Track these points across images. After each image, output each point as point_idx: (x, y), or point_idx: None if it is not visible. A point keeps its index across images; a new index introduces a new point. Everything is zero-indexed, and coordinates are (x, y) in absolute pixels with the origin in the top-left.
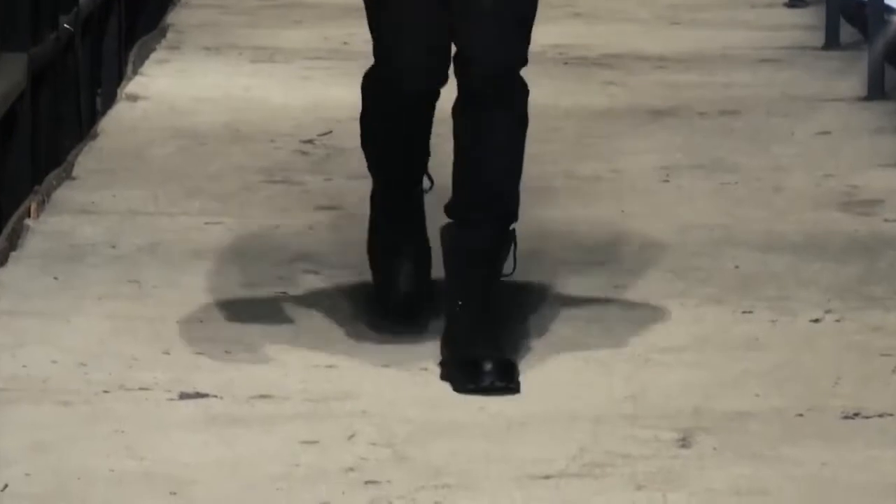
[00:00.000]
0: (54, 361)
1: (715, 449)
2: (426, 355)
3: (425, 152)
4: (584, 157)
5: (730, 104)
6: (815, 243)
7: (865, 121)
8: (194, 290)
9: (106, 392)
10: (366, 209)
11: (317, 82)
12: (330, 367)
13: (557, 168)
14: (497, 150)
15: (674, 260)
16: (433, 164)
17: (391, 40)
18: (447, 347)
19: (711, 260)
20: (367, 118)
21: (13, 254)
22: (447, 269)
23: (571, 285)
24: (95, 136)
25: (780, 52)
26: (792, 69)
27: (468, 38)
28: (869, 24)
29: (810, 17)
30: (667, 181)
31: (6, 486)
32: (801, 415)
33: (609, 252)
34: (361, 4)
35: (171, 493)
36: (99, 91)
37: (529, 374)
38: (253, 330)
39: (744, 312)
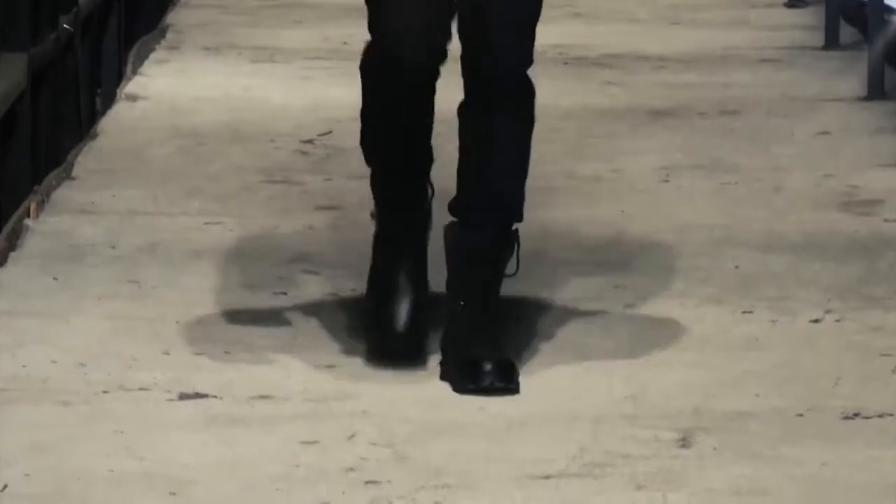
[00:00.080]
0: (54, 361)
1: (715, 449)
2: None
3: (426, 144)
4: (584, 158)
5: (730, 104)
6: (815, 243)
7: (865, 121)
8: (194, 290)
9: (105, 392)
10: (365, 209)
11: (317, 82)
12: (330, 367)
13: (558, 168)
14: (504, 151)
15: (674, 260)
16: (434, 165)
17: (389, 7)
18: (447, 347)
19: (711, 260)
20: (366, 102)
21: (13, 254)
22: (449, 268)
23: (571, 285)
24: (95, 136)
25: (780, 52)
26: (792, 69)
27: (477, 39)
28: (869, 24)
29: (810, 17)
30: (667, 181)
31: (6, 486)
32: (801, 415)
33: (609, 252)
34: (361, 4)
35: (170, 494)
36: (99, 91)
37: (529, 374)
38: (253, 330)
39: (744, 312)
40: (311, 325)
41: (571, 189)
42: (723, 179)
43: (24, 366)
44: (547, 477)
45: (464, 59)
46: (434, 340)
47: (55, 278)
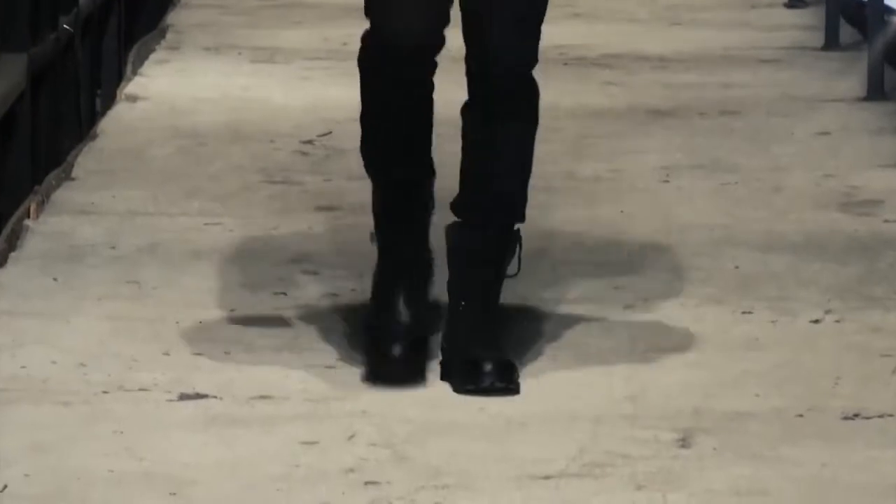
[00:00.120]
0: (54, 362)
1: (715, 449)
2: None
3: (425, 150)
4: (584, 158)
5: (730, 104)
6: (815, 243)
7: (865, 121)
8: (194, 290)
9: (105, 392)
10: (365, 210)
11: (316, 83)
12: (329, 367)
13: (557, 168)
14: (506, 152)
15: (673, 260)
16: (435, 165)
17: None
18: (448, 347)
19: (711, 260)
20: (364, 99)
21: (13, 254)
22: (451, 268)
23: (571, 285)
24: (95, 136)
25: (779, 52)
26: (792, 69)
27: (480, 39)
28: (868, 24)
29: (810, 17)
30: (667, 181)
31: (6, 486)
32: (801, 415)
33: (609, 252)
34: (361, 5)
35: (170, 494)
36: (98, 91)
37: (529, 374)
38: (252, 331)
39: (744, 313)
40: (311, 326)
41: (571, 189)
42: (723, 179)
43: (23, 366)
44: (547, 477)
45: (468, 59)
46: (433, 341)
47: (55, 279)
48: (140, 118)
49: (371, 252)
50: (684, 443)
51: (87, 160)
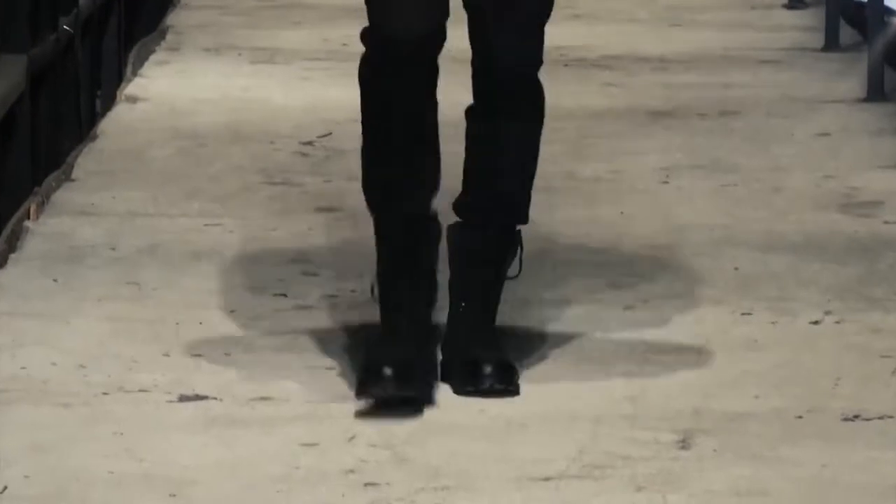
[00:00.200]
0: (54, 363)
1: (715, 450)
2: None
3: (431, 167)
4: (584, 158)
5: (729, 105)
6: (815, 244)
7: (865, 122)
8: (194, 291)
9: (105, 394)
10: (365, 212)
11: (316, 83)
12: (329, 368)
13: (557, 169)
14: (510, 154)
15: (673, 261)
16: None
17: None
18: (447, 348)
19: (711, 260)
20: (366, 116)
21: (12, 255)
22: (452, 268)
23: (571, 286)
24: (95, 137)
25: (779, 53)
26: (792, 70)
27: (488, 39)
28: (868, 25)
29: (810, 18)
30: (666, 182)
31: (5, 487)
32: (800, 416)
33: (609, 253)
34: (361, 5)
35: (170, 495)
36: (98, 92)
37: (529, 375)
38: (252, 332)
39: (743, 314)
40: (311, 327)
41: (571, 190)
42: (723, 180)
43: (23, 367)
44: (547, 478)
45: (473, 60)
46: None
47: (55, 280)
48: (140, 119)
49: (370, 254)
50: (684, 444)
51: (86, 161)
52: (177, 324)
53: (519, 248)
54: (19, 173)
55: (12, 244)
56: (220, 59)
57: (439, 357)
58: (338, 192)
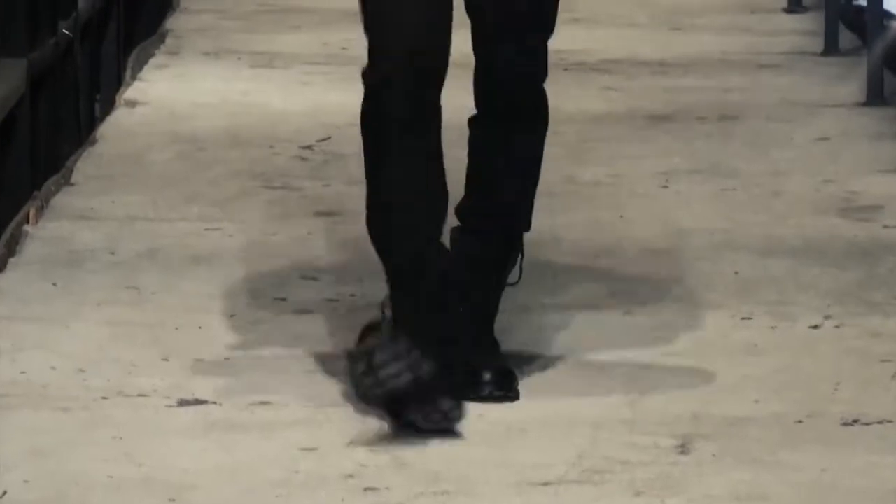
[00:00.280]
0: (53, 367)
1: (714, 455)
2: None
3: (440, 210)
4: (583, 163)
5: (729, 109)
6: (815, 248)
7: (864, 126)
8: (193, 296)
9: (105, 398)
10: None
11: (316, 87)
12: (328, 373)
13: (557, 173)
14: (516, 165)
15: (673, 265)
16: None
17: (390, 7)
18: (446, 352)
19: (711, 265)
20: (370, 155)
21: (12, 259)
22: (452, 273)
23: (570, 290)
24: (94, 141)
25: (779, 57)
26: (791, 74)
27: (493, 51)
28: (868, 29)
29: (809, 22)
30: (666, 186)
31: (5, 492)
32: (800, 421)
33: (608, 257)
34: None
35: (169, 500)
36: (98, 97)
37: (528, 379)
38: (252, 336)
39: (743, 318)
40: (310, 331)
41: (571, 194)
42: (722, 184)
43: (23, 371)
44: (546, 483)
45: (476, 69)
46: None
47: (54, 284)
48: (139, 123)
49: (370, 258)
50: (683, 448)
51: (86, 165)
52: (176, 328)
53: (520, 255)
54: (19, 177)
55: (11, 248)
56: (219, 64)
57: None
58: (337, 196)
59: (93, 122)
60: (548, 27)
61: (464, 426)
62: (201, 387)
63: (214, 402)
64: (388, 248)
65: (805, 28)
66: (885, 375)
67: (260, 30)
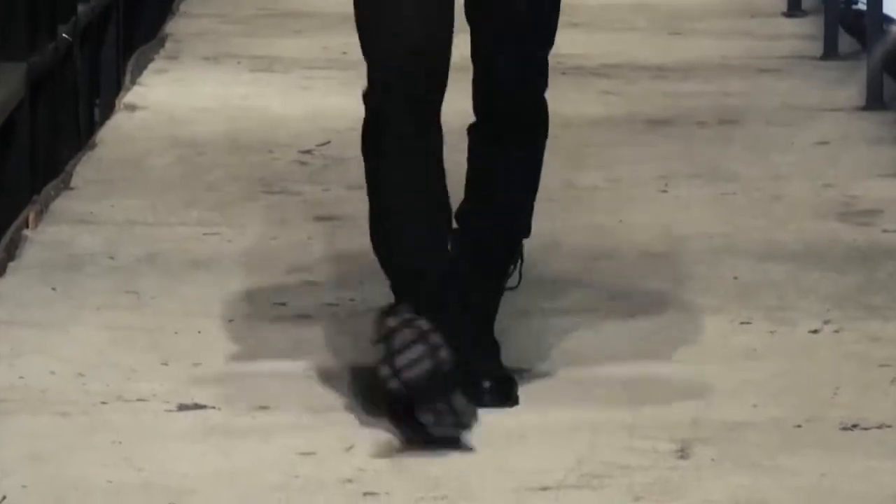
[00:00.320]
0: (52, 372)
1: (713, 459)
2: None
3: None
4: (582, 167)
5: (729, 113)
6: (814, 253)
7: (864, 130)
8: (192, 300)
9: (104, 403)
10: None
11: (315, 92)
12: (328, 377)
13: (556, 177)
14: (515, 175)
15: (672, 269)
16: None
17: (387, 11)
18: None
19: (710, 269)
20: (369, 171)
21: (11, 264)
22: (452, 276)
23: (570, 295)
24: (94, 145)
25: (778, 61)
26: (791, 79)
27: (491, 60)
28: (867, 33)
29: (809, 26)
30: (665, 190)
31: (4, 497)
32: (799, 425)
33: (607, 261)
34: None
35: None
36: (97, 101)
37: (527, 384)
38: (251, 341)
39: (742, 322)
40: (310, 336)
41: (570, 198)
42: (722, 188)
43: (22, 376)
44: (545, 488)
45: (475, 80)
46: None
47: (54, 288)
48: (139, 127)
49: (369, 262)
50: (683, 453)
51: (85, 169)
52: (175, 333)
53: (519, 260)
54: (18, 181)
55: (11, 252)
56: (218, 68)
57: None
58: (336, 201)
59: (92, 127)
60: (548, 34)
61: (469, 435)
62: (200, 391)
63: (213, 407)
64: (391, 260)
65: (805, 32)
66: (884, 380)
67: (260, 34)
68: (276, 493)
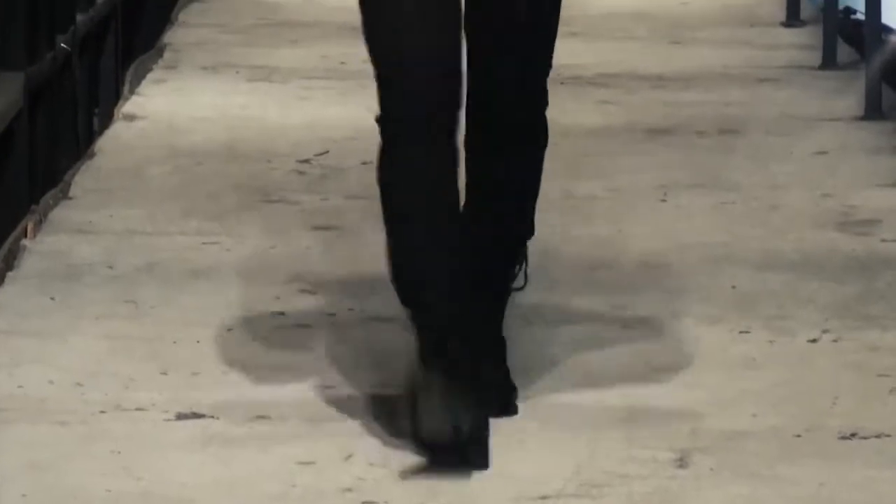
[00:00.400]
0: (51, 381)
1: (712, 469)
2: None
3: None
4: (581, 177)
5: (728, 123)
6: (813, 262)
7: (863, 140)
8: (191, 310)
9: (103, 412)
10: (361, 230)
11: (314, 102)
12: (327, 387)
13: (555, 187)
14: (518, 182)
15: (671, 279)
16: None
17: (397, 24)
18: None
19: (709, 279)
20: (387, 210)
21: (10, 274)
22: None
23: (569, 304)
24: (92, 155)
25: (777, 71)
26: (790, 88)
27: (497, 67)
28: (866, 43)
29: (807, 36)
30: (665, 200)
31: None
32: (798, 435)
33: (607, 271)
34: (359, 24)
35: None
36: (96, 110)
37: (527, 393)
38: (250, 350)
39: (741, 332)
40: (309, 345)
41: (569, 208)
42: (721, 198)
43: (21, 386)
44: (544, 497)
45: (471, 92)
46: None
47: (52, 298)
48: (137, 137)
49: (368, 272)
50: (681, 462)
51: (84, 179)
52: (174, 342)
53: (524, 261)
54: (17, 191)
55: (9, 262)
56: (217, 78)
57: None
58: (335, 210)
59: (91, 136)
60: (549, 34)
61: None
62: (199, 401)
63: (212, 416)
64: (417, 303)
65: (803, 42)
66: (883, 389)
67: (258, 44)
68: (275, 503)
